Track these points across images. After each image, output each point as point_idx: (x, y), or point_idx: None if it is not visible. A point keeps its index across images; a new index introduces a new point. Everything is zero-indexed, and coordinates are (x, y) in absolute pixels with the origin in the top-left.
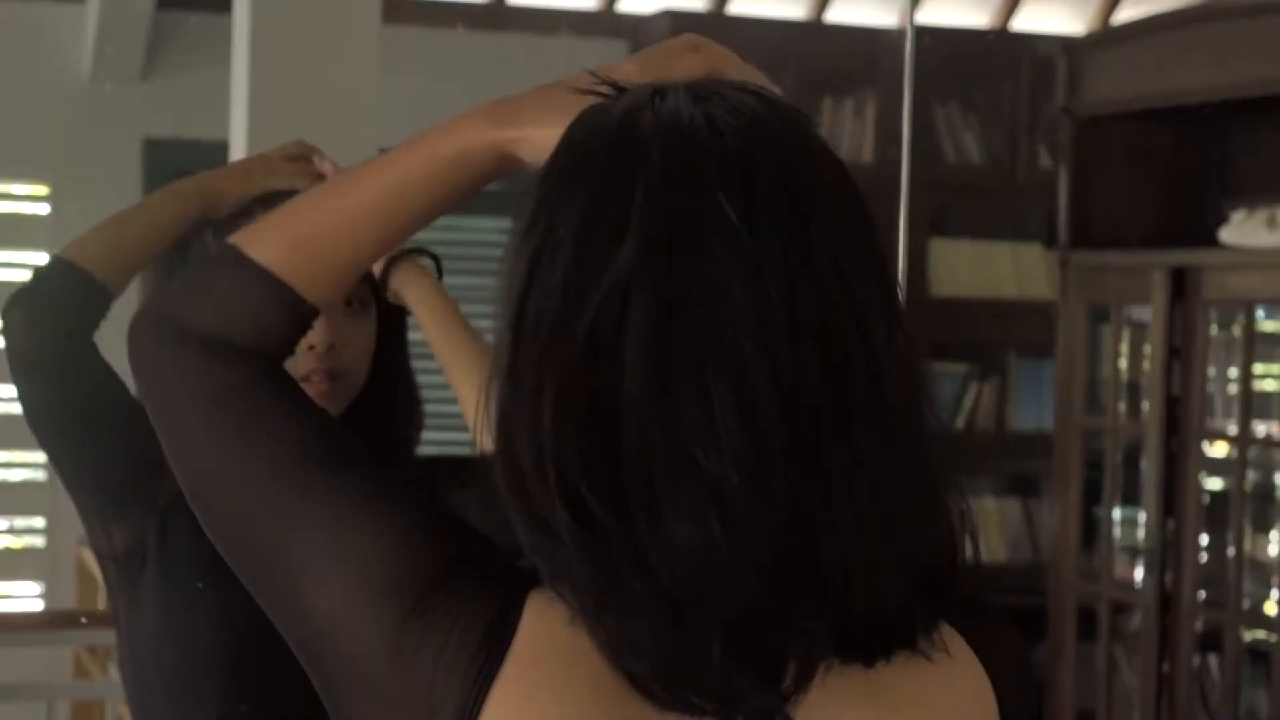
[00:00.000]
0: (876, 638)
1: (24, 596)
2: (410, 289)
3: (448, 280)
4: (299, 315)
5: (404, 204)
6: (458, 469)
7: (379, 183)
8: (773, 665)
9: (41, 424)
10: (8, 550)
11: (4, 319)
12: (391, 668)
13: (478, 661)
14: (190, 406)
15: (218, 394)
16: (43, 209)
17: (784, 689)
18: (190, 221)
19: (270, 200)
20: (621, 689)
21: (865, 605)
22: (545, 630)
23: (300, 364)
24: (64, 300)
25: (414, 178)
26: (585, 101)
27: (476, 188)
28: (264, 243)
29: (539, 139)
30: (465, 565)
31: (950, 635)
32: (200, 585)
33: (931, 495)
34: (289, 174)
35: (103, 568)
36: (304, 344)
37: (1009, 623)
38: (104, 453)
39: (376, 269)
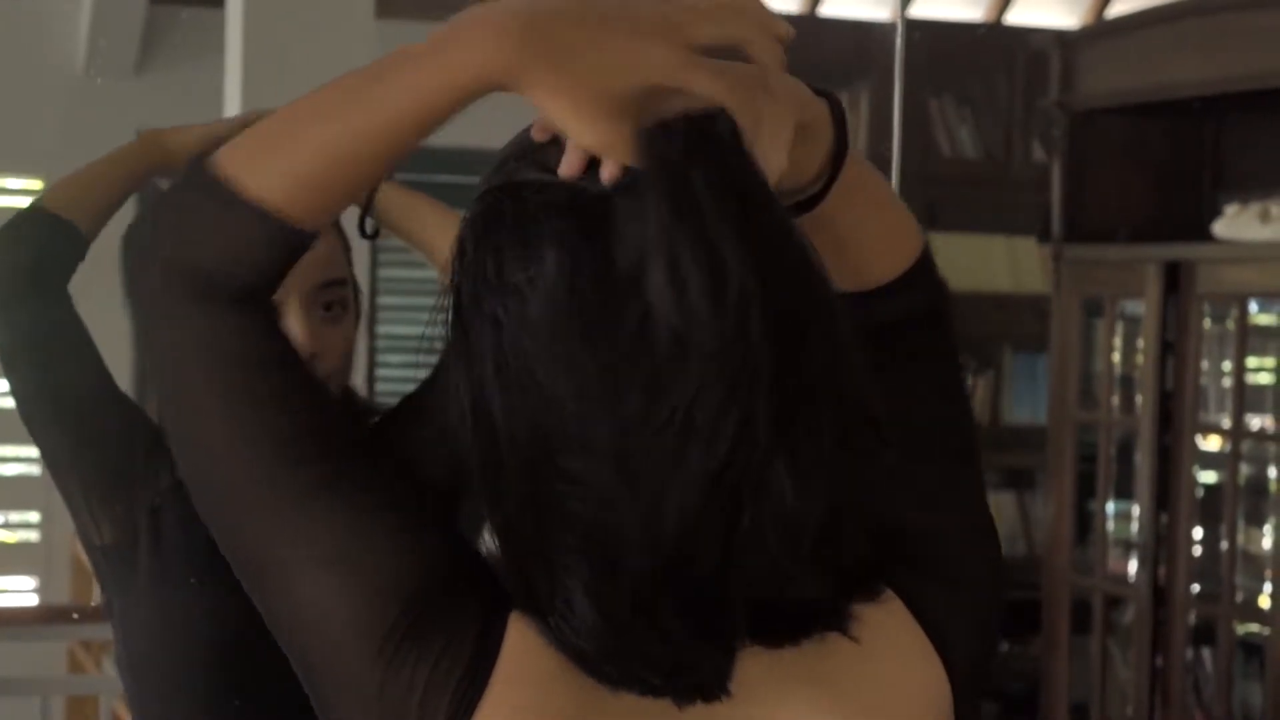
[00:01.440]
0: (796, 622)
1: (18, 591)
2: (393, 206)
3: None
4: (299, 249)
5: (419, 133)
6: (416, 408)
7: (389, 112)
8: (704, 637)
9: (31, 404)
10: (2, 545)
11: None
12: (380, 684)
13: (465, 682)
14: (199, 370)
15: (233, 361)
16: None
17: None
18: (147, 175)
19: None
20: (606, 703)
21: (784, 591)
22: (528, 650)
23: None
24: (41, 243)
25: (429, 108)
26: (634, 71)
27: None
28: (261, 174)
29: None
30: (454, 584)
31: (889, 604)
32: (193, 580)
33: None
34: (211, 128)
35: (91, 558)
36: None
37: (964, 576)
38: (95, 435)
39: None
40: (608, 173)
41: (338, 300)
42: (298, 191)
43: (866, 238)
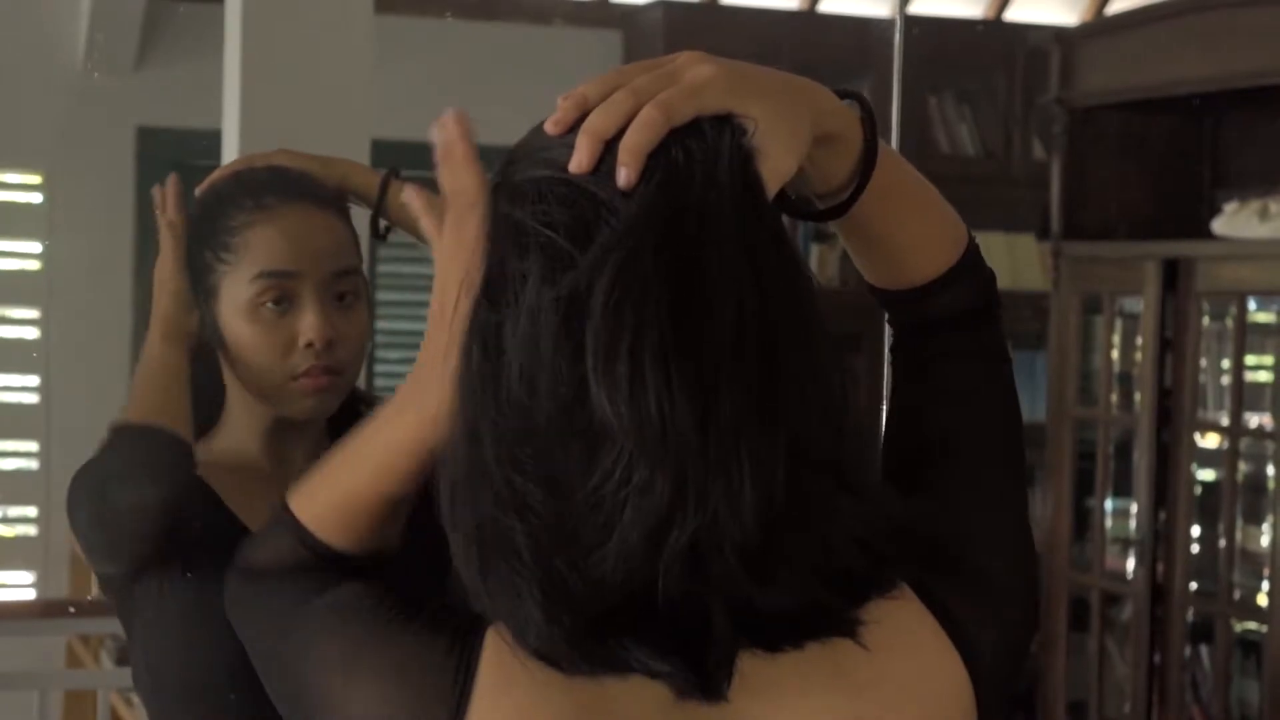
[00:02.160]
0: (787, 625)
1: (16, 586)
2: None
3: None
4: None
5: (398, 474)
6: None
7: (371, 466)
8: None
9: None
10: (0, 539)
11: (104, 497)
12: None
13: (452, 700)
14: (255, 629)
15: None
16: (35, 198)
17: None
18: (189, 346)
19: (214, 199)
20: (603, 694)
21: (767, 592)
22: (510, 656)
23: (298, 361)
24: (163, 468)
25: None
26: None
27: None
28: (305, 503)
29: None
30: (433, 633)
31: (908, 606)
32: (209, 597)
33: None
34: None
35: (104, 582)
36: (301, 341)
37: (990, 581)
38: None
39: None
40: (624, 177)
41: (351, 290)
42: (328, 519)
43: (906, 238)
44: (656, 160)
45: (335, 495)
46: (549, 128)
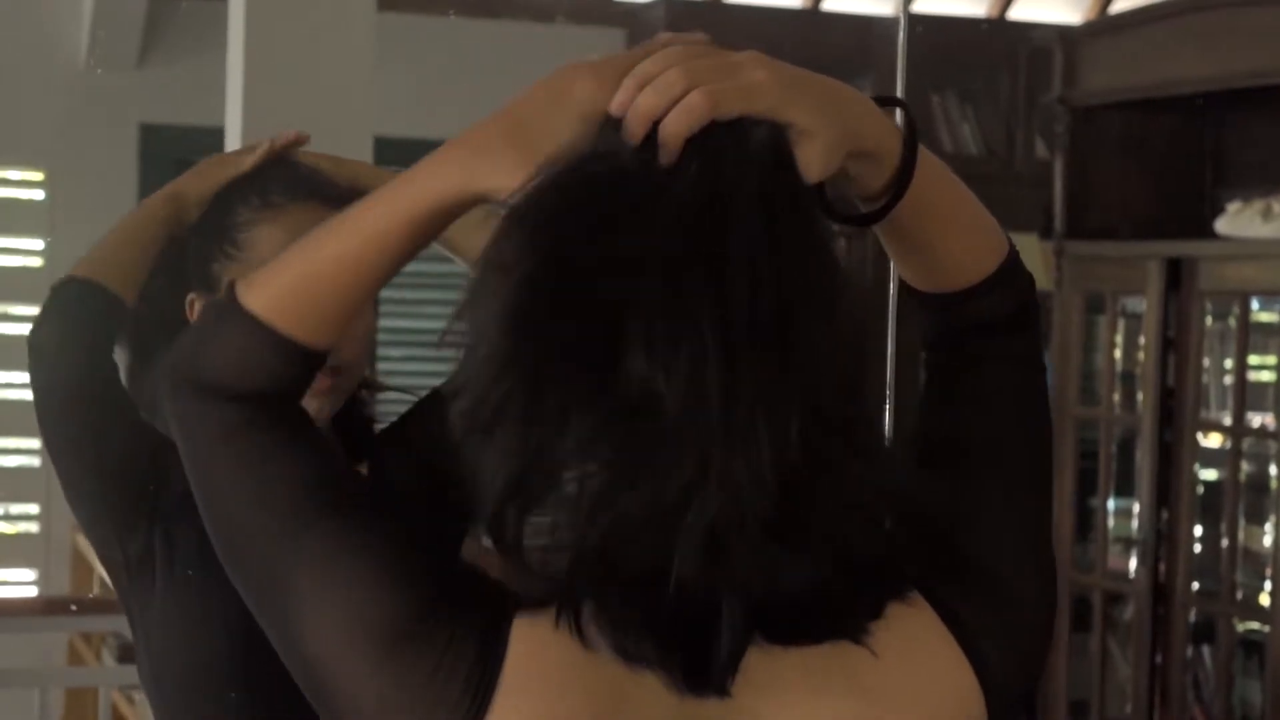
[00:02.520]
0: (800, 616)
1: (18, 583)
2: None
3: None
4: (295, 359)
5: (385, 252)
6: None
7: (361, 233)
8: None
9: (67, 457)
10: (2, 536)
11: (32, 347)
12: (380, 712)
13: (466, 698)
14: (207, 451)
15: (227, 436)
16: (38, 195)
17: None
18: (166, 224)
19: (225, 193)
20: (618, 691)
21: (788, 565)
22: (533, 654)
23: None
24: (72, 310)
25: (394, 227)
26: (559, 139)
27: (451, 222)
28: (257, 291)
29: (510, 187)
30: (446, 606)
31: (920, 614)
32: (207, 590)
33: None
34: (235, 162)
35: (114, 579)
36: None
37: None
38: (124, 470)
39: None
40: (664, 157)
41: None
42: (283, 305)
43: (945, 247)
44: (694, 144)
45: (289, 280)
46: (613, 109)
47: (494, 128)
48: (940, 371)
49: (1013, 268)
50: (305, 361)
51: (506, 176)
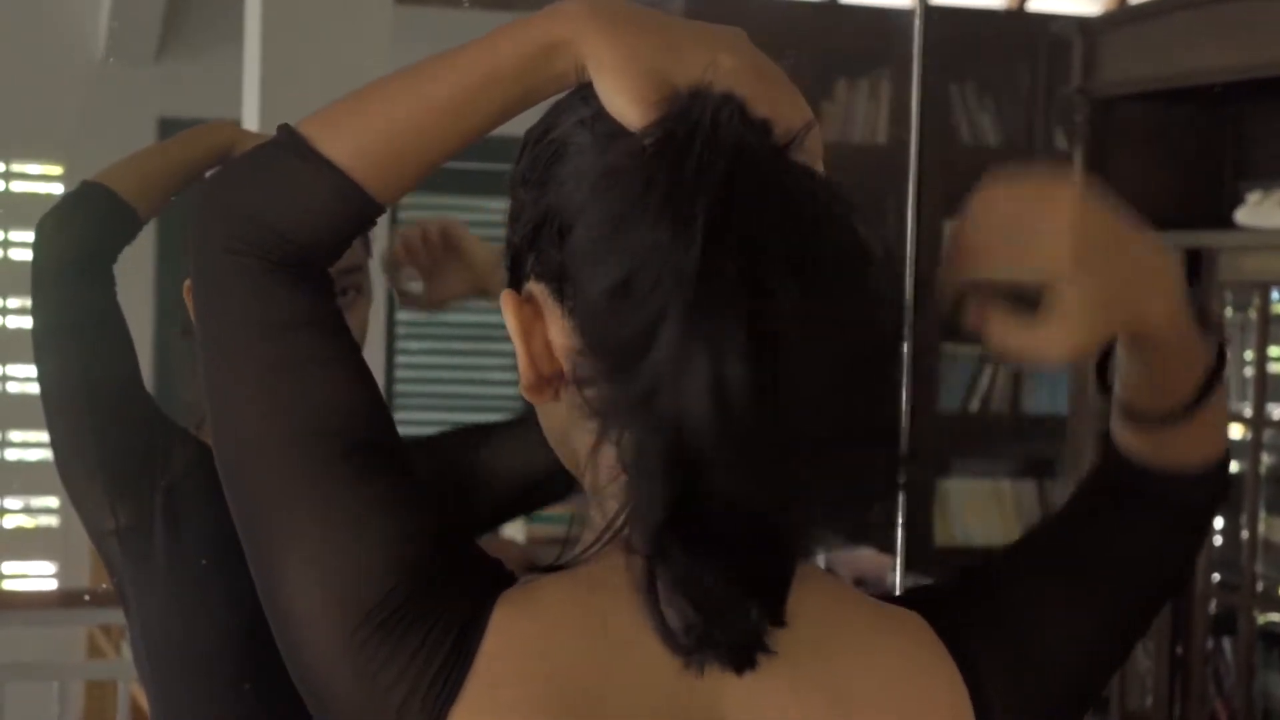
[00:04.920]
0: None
1: (38, 576)
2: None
3: None
4: (366, 216)
5: (486, 105)
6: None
7: (464, 76)
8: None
9: (59, 384)
10: (22, 530)
11: (36, 231)
12: (356, 685)
13: (438, 683)
14: (241, 325)
15: (271, 326)
16: (56, 188)
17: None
18: (209, 164)
19: None
20: (592, 691)
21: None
22: (510, 647)
23: None
24: (95, 218)
25: (494, 77)
26: (698, 68)
27: (548, 95)
28: (336, 138)
29: (624, 112)
30: (434, 584)
31: (917, 628)
32: (206, 562)
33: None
34: None
35: (102, 546)
36: None
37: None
38: (121, 418)
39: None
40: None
41: (353, 285)
42: (369, 156)
43: (1179, 437)
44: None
45: (377, 128)
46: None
47: (650, 22)
48: (1105, 492)
49: (1221, 472)
50: (366, 214)
51: (626, 97)
